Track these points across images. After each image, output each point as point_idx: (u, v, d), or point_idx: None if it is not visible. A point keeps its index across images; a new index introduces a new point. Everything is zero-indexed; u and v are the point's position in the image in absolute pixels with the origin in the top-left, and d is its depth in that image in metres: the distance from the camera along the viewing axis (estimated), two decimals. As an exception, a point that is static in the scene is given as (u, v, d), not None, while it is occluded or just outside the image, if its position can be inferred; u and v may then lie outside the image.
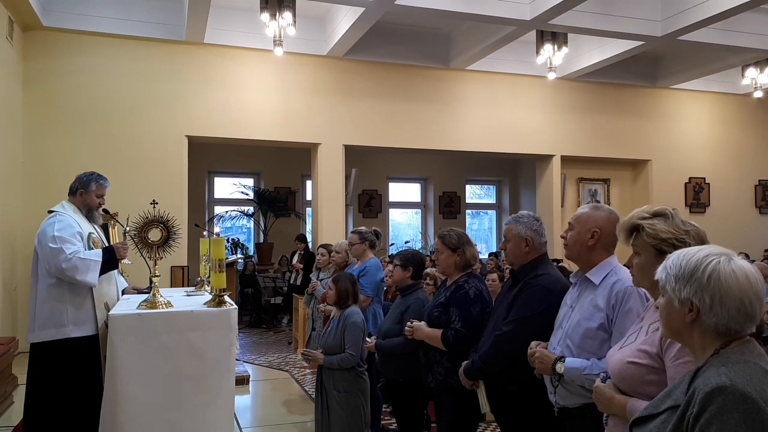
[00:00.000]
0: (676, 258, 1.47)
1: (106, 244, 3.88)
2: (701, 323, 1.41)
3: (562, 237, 2.48)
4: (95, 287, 3.55)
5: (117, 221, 4.34)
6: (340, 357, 3.59)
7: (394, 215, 13.67)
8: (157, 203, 3.72)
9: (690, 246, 1.58)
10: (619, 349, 1.91)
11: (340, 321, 3.70)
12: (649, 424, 1.44)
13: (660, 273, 1.49)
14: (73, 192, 3.82)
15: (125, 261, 3.88)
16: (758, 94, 10.17)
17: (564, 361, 2.24)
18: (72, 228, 3.58)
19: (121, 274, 4.18)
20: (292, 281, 9.74)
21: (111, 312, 3.23)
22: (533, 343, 2.44)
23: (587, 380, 2.17)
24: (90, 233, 3.72)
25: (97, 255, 3.55)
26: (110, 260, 3.62)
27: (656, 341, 1.77)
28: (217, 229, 8.18)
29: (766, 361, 1.38)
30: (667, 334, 1.55)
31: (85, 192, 3.79)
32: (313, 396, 4.49)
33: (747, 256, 9.52)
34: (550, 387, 2.33)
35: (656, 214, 1.91)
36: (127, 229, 3.74)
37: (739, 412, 1.25)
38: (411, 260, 3.78)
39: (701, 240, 1.84)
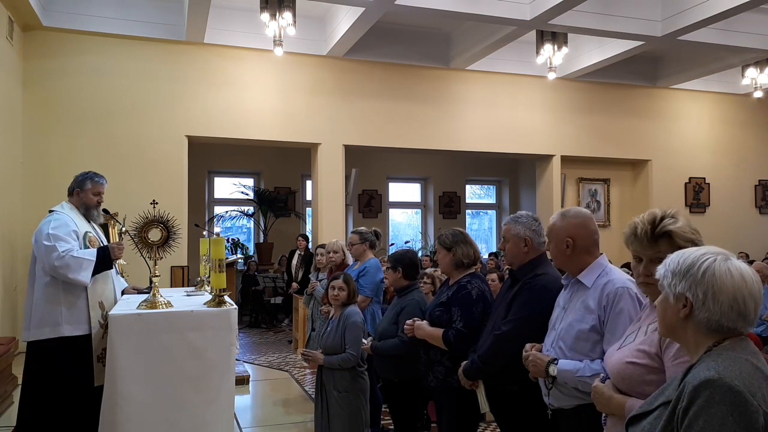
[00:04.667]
0: (675, 256, 1.49)
1: (105, 244, 3.88)
2: (695, 319, 1.42)
3: (546, 251, 2.49)
4: (88, 286, 3.55)
5: (117, 221, 4.33)
6: (340, 357, 3.59)
7: (394, 215, 13.67)
8: (157, 203, 3.72)
9: (701, 243, 1.59)
10: (618, 349, 1.91)
11: (340, 321, 3.70)
12: (642, 421, 1.45)
13: (659, 270, 1.51)
14: (70, 193, 3.83)
15: (120, 261, 3.87)
16: (758, 94, 10.15)
17: (557, 364, 2.25)
18: (68, 226, 3.58)
19: (121, 275, 4.18)
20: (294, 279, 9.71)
21: (111, 312, 3.23)
22: (528, 346, 2.44)
23: (580, 382, 2.18)
24: (87, 232, 3.72)
25: (91, 254, 3.55)
26: (104, 260, 3.61)
27: (655, 341, 1.78)
28: (217, 229, 8.19)
29: (758, 358, 1.39)
30: (663, 332, 1.56)
31: (81, 191, 3.79)
32: (313, 396, 4.49)
33: (747, 256, 9.52)
34: (545, 389, 2.34)
35: (675, 216, 1.86)
36: (124, 229, 3.74)
37: (726, 405, 1.27)
38: (399, 261, 3.78)
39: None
